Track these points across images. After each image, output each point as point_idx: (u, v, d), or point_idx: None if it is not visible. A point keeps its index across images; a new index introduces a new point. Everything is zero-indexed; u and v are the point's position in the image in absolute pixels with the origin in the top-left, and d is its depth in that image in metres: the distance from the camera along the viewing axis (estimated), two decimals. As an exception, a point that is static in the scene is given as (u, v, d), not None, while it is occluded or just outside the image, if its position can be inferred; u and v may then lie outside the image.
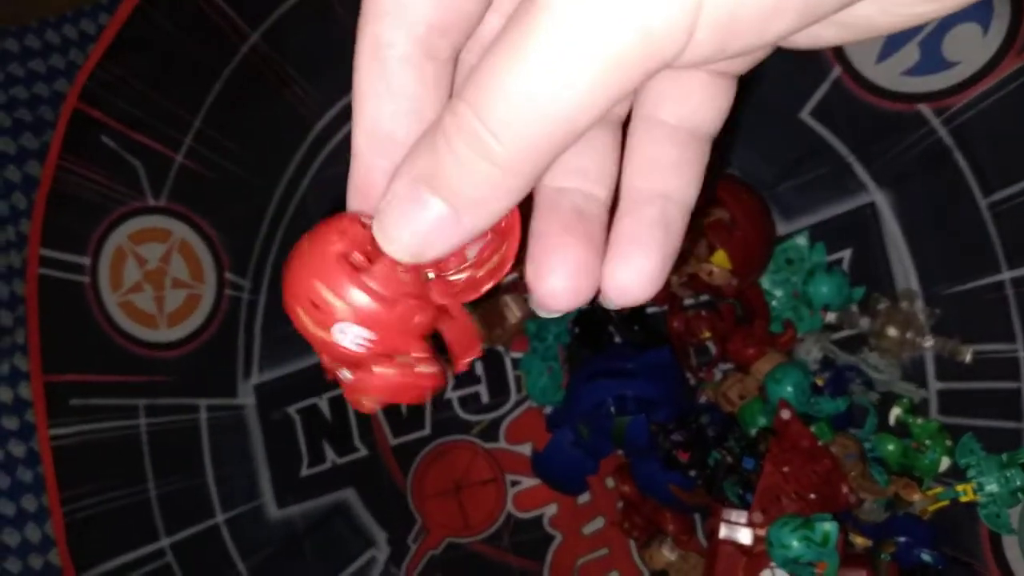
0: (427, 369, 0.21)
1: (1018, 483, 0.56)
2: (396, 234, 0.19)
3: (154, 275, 0.73)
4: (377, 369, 0.21)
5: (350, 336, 0.20)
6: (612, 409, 0.57)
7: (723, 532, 0.55)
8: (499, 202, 0.19)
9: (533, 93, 0.17)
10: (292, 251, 0.21)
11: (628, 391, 0.58)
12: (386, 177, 0.21)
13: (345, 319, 0.20)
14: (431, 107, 0.21)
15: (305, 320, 0.20)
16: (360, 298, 0.20)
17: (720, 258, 0.57)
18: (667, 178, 0.22)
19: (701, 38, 0.16)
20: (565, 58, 0.16)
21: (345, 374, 0.21)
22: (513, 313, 0.65)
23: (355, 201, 0.22)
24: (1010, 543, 0.57)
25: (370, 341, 0.20)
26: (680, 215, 0.21)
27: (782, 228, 0.61)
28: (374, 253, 0.20)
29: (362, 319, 0.20)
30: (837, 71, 0.59)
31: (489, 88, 0.17)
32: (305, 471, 0.73)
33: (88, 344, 0.73)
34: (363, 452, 0.72)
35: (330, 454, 0.73)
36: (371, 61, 0.21)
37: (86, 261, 0.72)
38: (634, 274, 0.21)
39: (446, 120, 0.18)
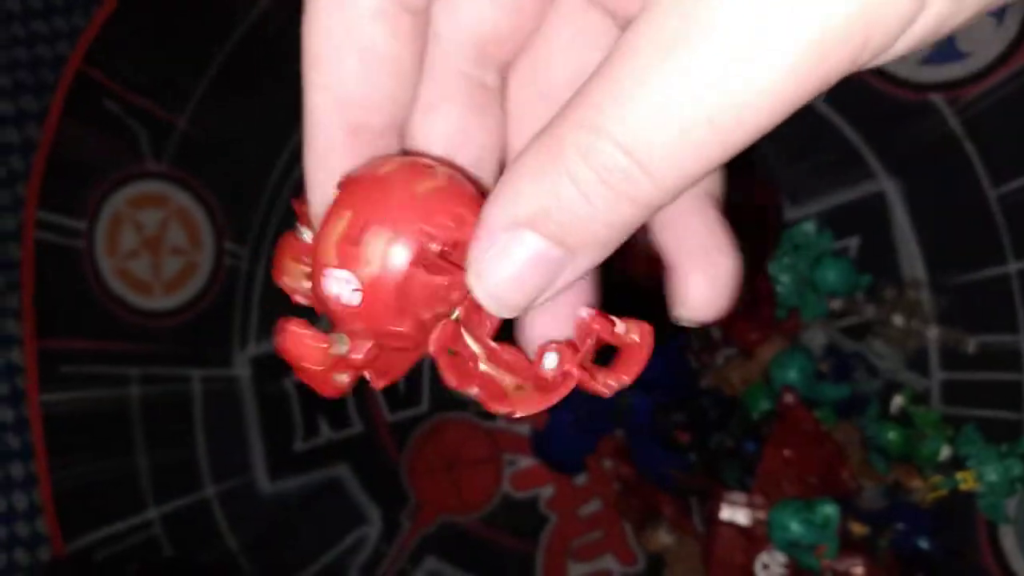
0: (356, 355, 0.19)
1: (1016, 473, 0.56)
2: (497, 286, 0.17)
3: (152, 242, 0.72)
4: (295, 328, 0.19)
5: (343, 286, 0.18)
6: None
7: (724, 514, 0.55)
8: (621, 238, 0.16)
9: (704, 108, 0.14)
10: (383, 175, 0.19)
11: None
12: (356, 144, 0.19)
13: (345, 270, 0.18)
14: (410, 65, 0.19)
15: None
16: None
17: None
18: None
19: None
20: (752, 53, 0.13)
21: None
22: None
23: (318, 174, 0.20)
24: (1006, 532, 0.57)
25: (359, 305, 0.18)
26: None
27: (790, 213, 0.61)
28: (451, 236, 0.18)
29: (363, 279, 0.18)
30: (851, 57, 0.59)
31: (647, 118, 0.14)
32: (299, 445, 0.72)
33: (82, 310, 0.72)
34: (359, 427, 0.71)
35: (325, 429, 0.72)
36: (333, 11, 0.18)
37: (83, 225, 0.71)
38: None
39: (571, 158, 0.15)
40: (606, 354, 0.19)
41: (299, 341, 0.18)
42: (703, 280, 0.20)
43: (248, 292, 0.72)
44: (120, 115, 0.71)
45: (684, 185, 0.15)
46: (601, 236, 0.16)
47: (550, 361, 0.19)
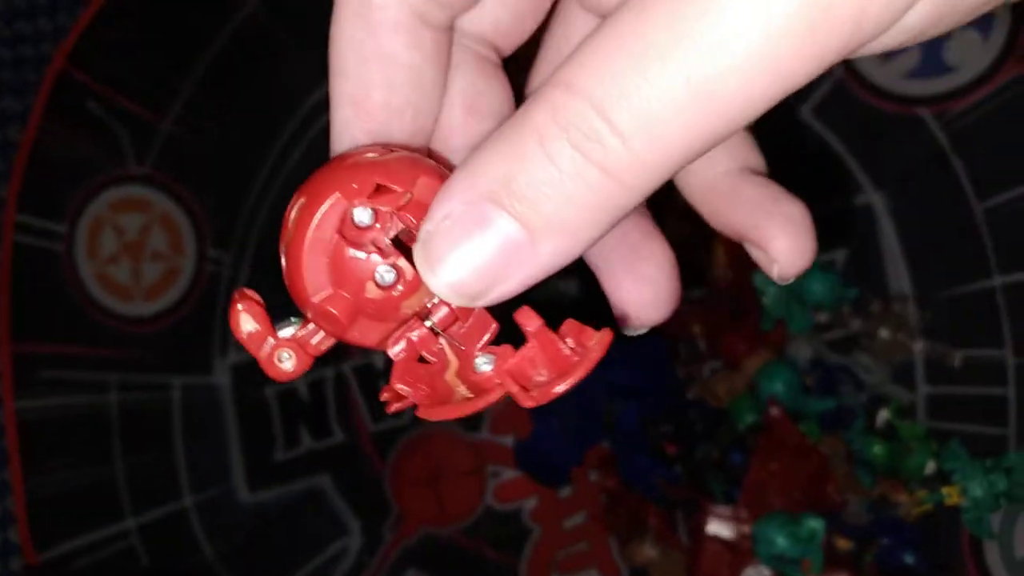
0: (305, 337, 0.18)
1: (1001, 488, 0.56)
2: (447, 269, 0.15)
3: (133, 246, 0.71)
4: (241, 306, 0.18)
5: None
6: (603, 396, 0.57)
7: (710, 528, 0.55)
8: (593, 228, 0.14)
9: (693, 78, 0.13)
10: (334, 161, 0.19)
11: (618, 380, 0.57)
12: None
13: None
14: (431, 77, 0.18)
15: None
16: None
17: (719, 251, 0.57)
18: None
19: None
20: (741, 14, 0.12)
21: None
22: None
23: None
24: (990, 548, 0.57)
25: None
26: None
27: (777, 225, 0.61)
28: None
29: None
30: (840, 70, 0.59)
31: (621, 73, 0.13)
32: (280, 455, 0.71)
33: (60, 315, 0.71)
34: (340, 437, 0.70)
35: (306, 438, 0.71)
36: (356, 21, 0.18)
37: (62, 229, 0.70)
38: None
39: (540, 114, 0.14)
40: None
41: (237, 319, 0.19)
42: (785, 236, 0.19)
43: (230, 299, 0.71)
44: (103, 117, 0.70)
45: (662, 161, 0.13)
46: (567, 216, 0.14)
47: (484, 364, 0.18)
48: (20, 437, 0.70)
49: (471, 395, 0.18)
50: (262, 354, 0.18)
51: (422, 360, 0.19)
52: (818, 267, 0.60)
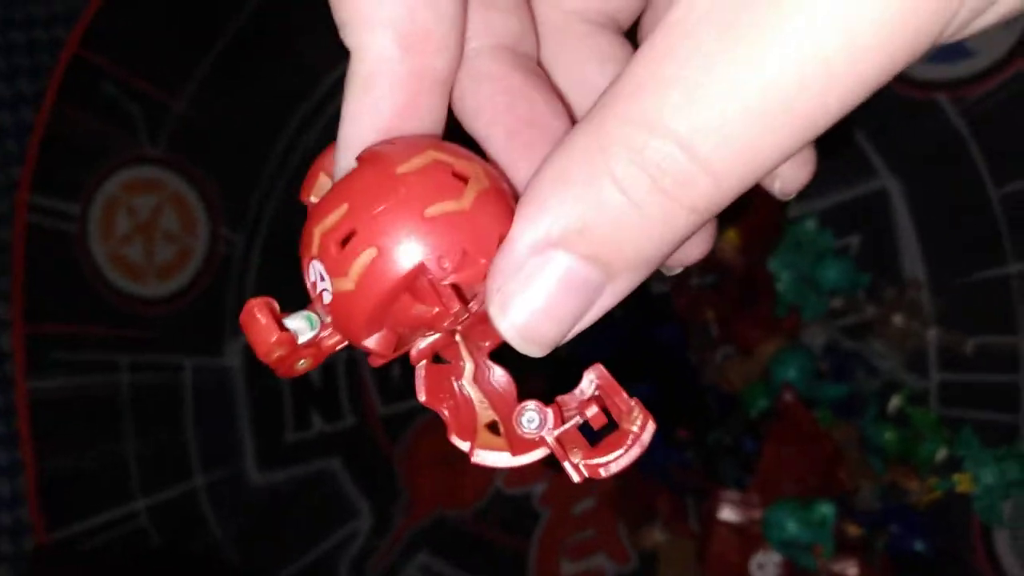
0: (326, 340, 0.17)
1: (1013, 476, 0.56)
2: (523, 320, 0.14)
3: (145, 227, 0.71)
4: (259, 314, 0.17)
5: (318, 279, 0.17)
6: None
7: (721, 513, 0.55)
8: (668, 254, 0.14)
9: (786, 107, 0.12)
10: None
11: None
12: (413, 86, 0.16)
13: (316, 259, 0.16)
14: (451, 6, 0.17)
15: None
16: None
17: (730, 235, 0.56)
18: None
19: None
20: (834, 21, 0.12)
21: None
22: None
23: (360, 118, 0.18)
24: (1000, 536, 0.57)
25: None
26: None
27: (792, 210, 0.61)
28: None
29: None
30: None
31: (711, 107, 0.12)
32: (290, 436, 0.71)
33: (73, 295, 0.71)
34: (351, 420, 0.71)
35: (317, 421, 0.71)
36: None
37: (76, 210, 0.70)
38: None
39: (617, 156, 0.13)
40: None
41: (255, 327, 0.17)
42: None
43: (242, 280, 0.71)
44: (117, 98, 0.70)
45: (744, 187, 0.13)
46: (648, 253, 0.13)
47: (529, 423, 0.17)
48: (32, 417, 0.70)
49: (497, 433, 0.18)
50: (274, 359, 0.17)
51: (436, 360, 0.18)
52: (832, 252, 0.60)
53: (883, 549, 0.57)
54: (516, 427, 0.17)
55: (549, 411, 0.17)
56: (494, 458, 0.17)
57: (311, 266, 0.17)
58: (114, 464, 0.71)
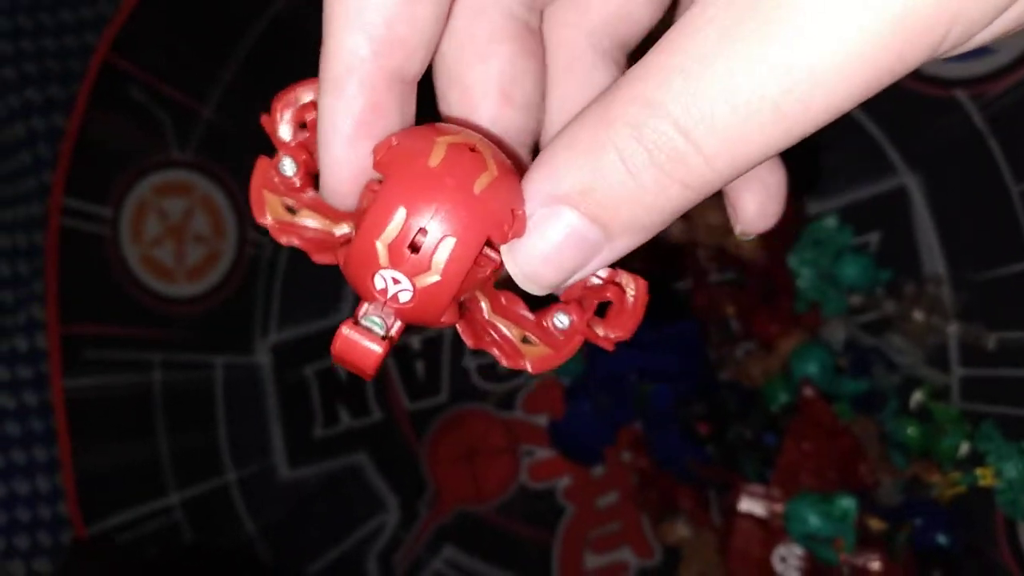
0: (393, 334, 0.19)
1: (1036, 470, 0.56)
2: (530, 265, 0.16)
3: (175, 229, 0.72)
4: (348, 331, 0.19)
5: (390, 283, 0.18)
6: (635, 377, 0.57)
7: (742, 506, 0.55)
8: (664, 223, 0.16)
9: (779, 101, 0.13)
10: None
11: (651, 363, 0.58)
12: (391, 88, 0.18)
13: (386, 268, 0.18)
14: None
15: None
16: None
17: (750, 232, 0.57)
18: None
19: None
20: (826, 32, 0.13)
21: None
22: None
23: (337, 116, 0.19)
24: (1024, 530, 0.57)
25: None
26: None
27: (811, 207, 0.61)
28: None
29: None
30: (875, 52, 0.59)
31: (705, 94, 0.13)
32: (319, 432, 0.73)
33: (106, 296, 0.72)
34: (378, 416, 0.72)
35: (345, 416, 0.73)
36: None
37: (108, 213, 0.72)
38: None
39: (620, 130, 0.14)
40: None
41: (353, 347, 0.19)
42: (755, 200, 0.20)
43: (270, 280, 0.73)
44: (146, 104, 0.71)
45: (738, 172, 0.14)
46: (644, 220, 0.15)
47: (562, 321, 0.20)
48: (68, 416, 0.72)
49: (535, 341, 0.20)
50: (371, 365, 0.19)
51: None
52: (852, 249, 0.60)
53: (906, 543, 0.57)
54: (551, 329, 0.20)
55: (571, 308, 0.19)
56: (547, 362, 0.20)
57: (377, 276, 0.18)
58: (148, 460, 0.72)
